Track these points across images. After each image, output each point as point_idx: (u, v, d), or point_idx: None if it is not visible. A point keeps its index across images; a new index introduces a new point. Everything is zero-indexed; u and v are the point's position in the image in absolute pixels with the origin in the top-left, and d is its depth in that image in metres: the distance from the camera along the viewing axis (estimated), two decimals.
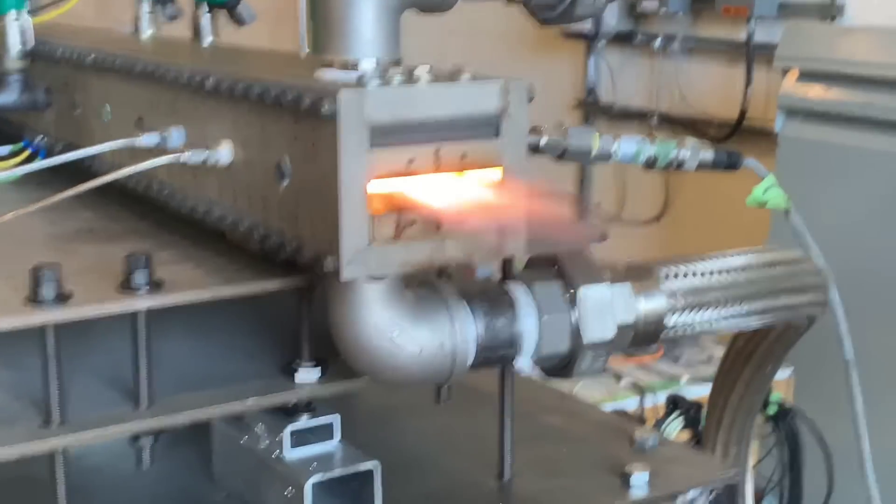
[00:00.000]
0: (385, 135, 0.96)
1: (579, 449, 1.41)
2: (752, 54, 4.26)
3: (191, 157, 1.10)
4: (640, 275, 1.19)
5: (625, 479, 1.31)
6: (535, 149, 1.33)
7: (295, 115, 0.99)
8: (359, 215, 0.96)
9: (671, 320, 1.19)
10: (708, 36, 4.53)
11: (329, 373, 1.18)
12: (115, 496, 1.29)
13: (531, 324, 1.12)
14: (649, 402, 2.97)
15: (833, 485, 3.21)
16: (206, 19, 1.55)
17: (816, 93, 3.66)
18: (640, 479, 1.31)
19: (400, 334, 1.06)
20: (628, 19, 4.75)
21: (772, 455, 3.19)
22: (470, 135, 1.00)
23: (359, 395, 1.49)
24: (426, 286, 1.10)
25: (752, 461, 3.27)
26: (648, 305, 1.18)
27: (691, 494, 1.31)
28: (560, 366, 1.16)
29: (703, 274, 1.21)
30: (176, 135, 1.17)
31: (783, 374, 3.13)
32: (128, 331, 1.11)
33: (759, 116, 4.24)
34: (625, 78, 4.82)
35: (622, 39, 4.78)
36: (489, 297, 1.12)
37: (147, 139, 1.16)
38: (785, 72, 3.72)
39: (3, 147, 1.59)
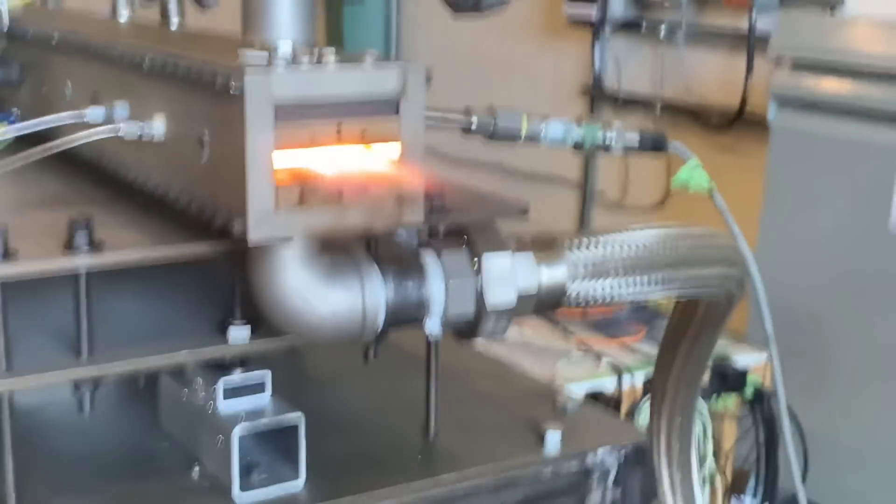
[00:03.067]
0: (289, 112, 1.06)
1: (504, 411, 1.51)
2: (753, 44, 4.31)
3: (126, 129, 1.21)
4: (543, 245, 1.28)
5: (540, 438, 1.41)
6: (466, 129, 1.42)
7: (212, 92, 1.10)
8: (264, 183, 1.06)
9: (572, 288, 1.28)
10: (711, 25, 4.59)
11: (259, 331, 1.28)
12: (69, 443, 1.41)
13: (438, 288, 1.22)
14: (627, 382, 3.05)
15: (808, 467, 3.29)
16: (173, 3, 1.65)
17: (809, 83, 3.71)
18: (553, 437, 1.41)
19: (313, 294, 1.16)
20: (634, 7, 4.81)
21: (749, 437, 3.27)
22: (370, 112, 1.10)
23: (298, 358, 1.60)
24: (341, 250, 1.20)
25: (729, 442, 3.36)
26: (550, 274, 1.27)
27: (601, 452, 1.41)
28: (467, 328, 1.26)
29: (605, 245, 1.30)
30: (120, 110, 1.27)
31: (761, 358, 3.21)
32: (73, 288, 1.22)
33: (760, 104, 4.29)
34: (630, 66, 4.88)
35: (628, 27, 4.84)
36: (400, 261, 1.22)
37: (92, 113, 1.27)
38: (779, 62, 3.78)
39: None
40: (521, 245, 1.26)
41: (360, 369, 1.52)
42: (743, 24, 4.38)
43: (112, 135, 1.22)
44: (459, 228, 1.27)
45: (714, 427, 3.23)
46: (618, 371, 3.09)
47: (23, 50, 1.63)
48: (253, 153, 1.05)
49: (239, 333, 1.28)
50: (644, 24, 4.75)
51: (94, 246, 1.20)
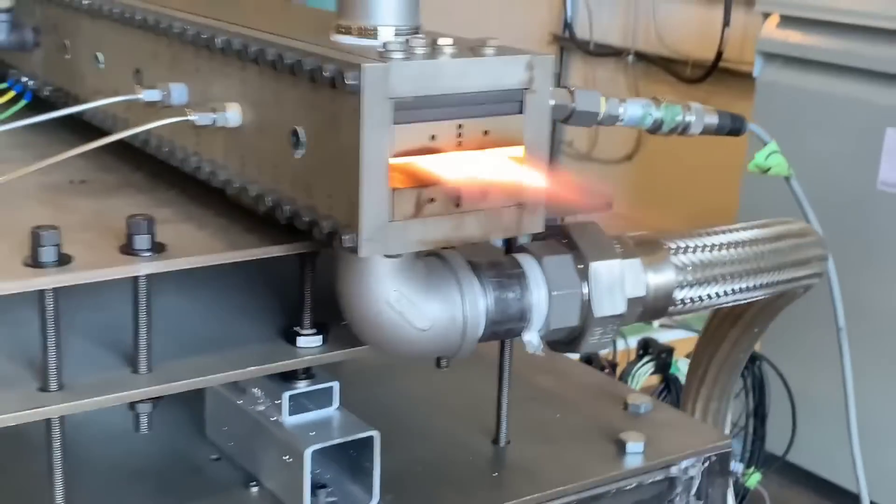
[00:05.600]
0: (408, 110, 0.93)
1: (573, 413, 1.41)
2: None
3: (199, 118, 1.06)
4: (649, 249, 1.17)
5: (620, 447, 1.31)
6: None
7: (312, 83, 0.96)
8: (380, 192, 0.93)
9: (680, 294, 1.18)
10: None
11: (330, 339, 1.16)
12: (105, 453, 1.27)
13: (541, 298, 1.10)
14: (621, 345, 2.98)
15: (796, 430, 3.26)
16: None
17: (796, 38, 3.64)
18: (635, 448, 1.31)
19: (410, 309, 1.04)
20: None
21: (738, 400, 3.22)
22: (493, 110, 0.97)
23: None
24: (436, 256, 1.07)
25: None
26: (658, 280, 1.16)
27: (685, 463, 1.31)
28: (568, 339, 1.15)
29: (710, 248, 1.20)
30: (177, 92, 1.13)
31: None
32: (127, 291, 1.08)
33: (736, 58, 4.22)
34: (602, 14, 4.77)
35: None
36: (499, 269, 1.10)
37: (148, 95, 1.12)
38: (766, 16, 3.70)
39: None
40: (626, 249, 1.15)
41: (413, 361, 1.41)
42: None
43: (181, 121, 1.07)
44: (558, 228, 1.15)
45: None
46: None
47: (38, 10, 1.46)
48: (368, 157, 0.91)
49: (309, 342, 1.15)
50: None
51: (156, 248, 1.06)
